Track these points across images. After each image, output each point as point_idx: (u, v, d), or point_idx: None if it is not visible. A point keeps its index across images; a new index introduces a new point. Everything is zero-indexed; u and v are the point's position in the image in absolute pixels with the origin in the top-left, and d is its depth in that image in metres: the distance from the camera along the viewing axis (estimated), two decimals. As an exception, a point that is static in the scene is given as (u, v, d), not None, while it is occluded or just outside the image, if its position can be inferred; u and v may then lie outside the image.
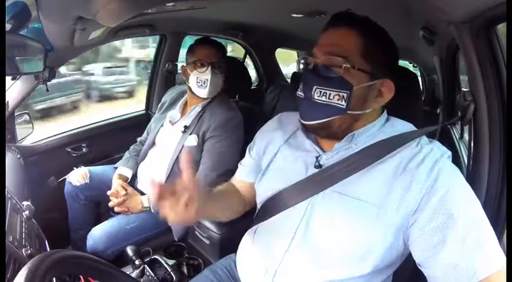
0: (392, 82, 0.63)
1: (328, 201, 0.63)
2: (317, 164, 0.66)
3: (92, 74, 5.96)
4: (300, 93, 0.65)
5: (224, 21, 1.73)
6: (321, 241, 0.62)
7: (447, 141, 0.62)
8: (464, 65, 0.80)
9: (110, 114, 1.87)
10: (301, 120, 0.66)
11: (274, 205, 0.68)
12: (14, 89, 1.24)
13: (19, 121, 1.40)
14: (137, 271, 0.84)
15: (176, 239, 1.25)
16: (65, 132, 1.59)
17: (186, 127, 1.23)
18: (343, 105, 0.60)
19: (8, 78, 1.19)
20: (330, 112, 0.61)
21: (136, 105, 3.63)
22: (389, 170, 0.60)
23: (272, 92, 1.76)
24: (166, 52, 1.79)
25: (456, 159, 0.60)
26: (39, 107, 4.66)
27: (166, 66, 1.79)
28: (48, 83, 1.24)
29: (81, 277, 0.66)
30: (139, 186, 1.31)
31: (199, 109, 1.25)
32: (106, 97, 5.96)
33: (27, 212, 0.85)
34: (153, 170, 1.29)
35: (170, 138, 1.26)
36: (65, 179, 1.35)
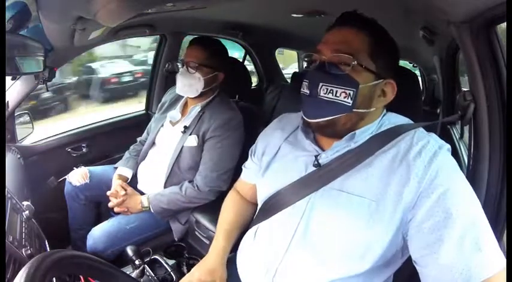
0: (395, 82, 0.64)
1: (327, 198, 0.63)
2: (316, 163, 0.66)
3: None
4: (304, 90, 0.65)
5: (224, 21, 1.73)
6: (321, 239, 0.62)
7: (447, 141, 0.62)
8: (464, 65, 0.80)
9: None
10: (306, 118, 0.65)
11: (274, 204, 0.69)
12: (14, 89, 1.24)
13: (19, 121, 1.40)
14: (137, 271, 0.84)
15: (176, 239, 1.25)
16: (65, 132, 1.59)
17: (185, 127, 1.23)
18: (349, 103, 0.60)
19: (8, 78, 1.19)
20: (335, 110, 0.61)
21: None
22: (386, 163, 0.60)
23: (272, 92, 1.76)
24: (166, 52, 1.79)
25: (456, 159, 0.60)
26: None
27: (166, 66, 1.79)
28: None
29: (81, 277, 0.66)
30: (139, 186, 1.31)
31: (199, 109, 1.25)
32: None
33: (27, 212, 0.84)
34: (153, 170, 1.29)
35: (170, 138, 1.26)
36: (65, 179, 1.35)
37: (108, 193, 1.23)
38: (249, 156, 0.86)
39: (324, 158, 0.66)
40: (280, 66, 2.57)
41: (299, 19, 1.36)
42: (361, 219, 0.58)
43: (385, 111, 0.68)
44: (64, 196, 1.33)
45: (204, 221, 1.17)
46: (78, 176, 1.31)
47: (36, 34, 0.93)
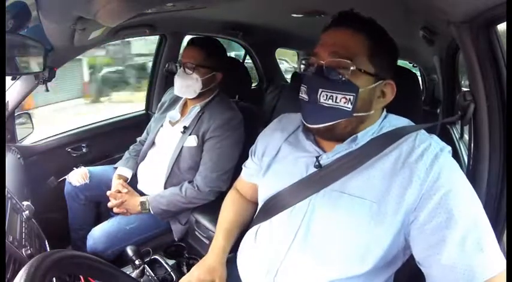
0: (394, 83, 0.63)
1: (328, 200, 0.63)
2: (317, 164, 0.65)
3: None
4: (303, 96, 0.64)
5: (224, 21, 1.73)
6: (322, 240, 0.62)
7: (447, 141, 0.62)
8: (464, 65, 0.80)
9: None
10: (306, 123, 0.65)
11: (274, 205, 0.69)
12: (14, 89, 1.24)
13: (19, 121, 1.40)
14: (137, 271, 0.84)
15: (176, 239, 1.25)
16: (65, 132, 1.59)
17: (185, 128, 1.23)
18: (349, 108, 0.59)
19: (8, 78, 1.19)
20: (335, 115, 0.60)
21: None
22: (388, 165, 0.59)
23: (272, 92, 1.76)
24: (166, 52, 1.79)
25: (456, 160, 0.60)
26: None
27: (166, 66, 1.79)
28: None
29: (81, 277, 0.66)
30: (139, 186, 1.31)
31: (199, 109, 1.25)
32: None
33: (27, 212, 0.84)
34: (152, 170, 1.29)
35: (170, 138, 1.26)
36: (65, 179, 1.35)
37: (107, 193, 1.23)
38: (249, 156, 0.86)
39: (325, 159, 0.66)
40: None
41: (299, 19, 1.36)
42: (362, 221, 0.58)
43: (385, 112, 0.67)
44: (64, 196, 1.33)
45: (204, 221, 1.17)
46: (78, 176, 1.31)
47: (36, 34, 0.93)
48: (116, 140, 1.71)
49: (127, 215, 1.22)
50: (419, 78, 2.73)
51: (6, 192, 0.82)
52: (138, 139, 1.47)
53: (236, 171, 1.16)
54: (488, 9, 0.61)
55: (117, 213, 1.23)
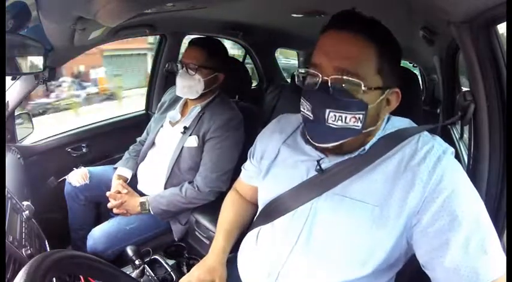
0: (399, 89, 0.61)
1: (330, 204, 0.62)
2: (318, 168, 0.64)
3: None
4: (307, 113, 0.59)
5: (224, 21, 1.73)
6: (324, 244, 0.62)
7: (447, 141, 0.62)
8: (464, 65, 0.80)
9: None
10: (312, 141, 0.62)
11: (276, 208, 0.68)
12: (14, 89, 1.24)
13: (19, 121, 1.40)
14: (137, 271, 0.84)
15: (176, 239, 1.25)
16: (65, 132, 1.59)
17: (185, 128, 1.23)
18: (358, 127, 0.57)
19: (8, 78, 1.19)
20: (344, 134, 0.58)
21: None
22: (391, 169, 0.59)
23: (272, 92, 1.76)
24: (166, 52, 1.79)
25: (456, 159, 0.60)
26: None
27: (166, 66, 1.78)
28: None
29: (81, 277, 0.66)
30: (139, 186, 1.31)
31: (199, 109, 1.25)
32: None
33: (27, 212, 0.84)
34: (153, 170, 1.29)
35: (170, 139, 1.26)
36: (65, 179, 1.35)
37: (107, 194, 1.23)
38: (248, 158, 0.85)
39: (327, 163, 0.64)
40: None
41: (299, 19, 1.36)
42: (364, 225, 0.58)
43: (388, 114, 0.66)
44: (64, 196, 1.33)
45: (204, 221, 1.17)
46: (78, 177, 1.31)
47: (36, 34, 0.93)
48: (116, 140, 1.70)
49: (127, 216, 1.22)
50: (419, 78, 2.73)
51: (6, 192, 0.82)
52: (138, 139, 1.47)
53: (236, 172, 1.15)
54: (488, 9, 0.60)
55: (117, 214, 1.23)
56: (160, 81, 1.84)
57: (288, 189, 0.66)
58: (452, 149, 0.59)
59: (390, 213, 0.57)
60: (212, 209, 1.11)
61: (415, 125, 0.65)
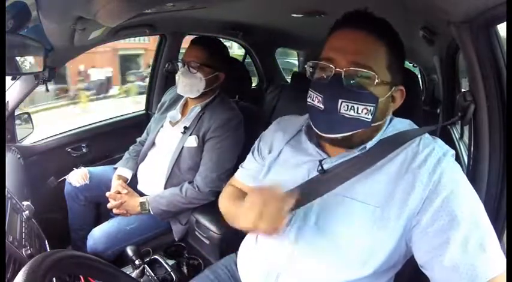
0: (404, 87, 0.63)
1: (331, 204, 0.62)
2: (320, 168, 0.64)
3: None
4: (317, 104, 0.60)
5: (224, 21, 1.73)
6: (324, 244, 0.62)
7: (447, 141, 0.62)
8: (464, 65, 0.80)
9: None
10: (319, 133, 0.62)
11: None
12: (14, 89, 1.24)
13: (19, 121, 1.40)
14: (137, 271, 0.84)
15: (176, 239, 1.25)
16: (65, 132, 1.59)
17: (185, 128, 1.23)
18: (368, 119, 0.58)
19: (8, 78, 1.19)
20: (354, 126, 0.58)
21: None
22: (392, 170, 0.59)
23: (272, 92, 1.76)
24: (166, 52, 1.79)
25: (456, 159, 0.60)
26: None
27: (166, 66, 1.79)
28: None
29: (81, 277, 0.66)
30: (139, 187, 1.31)
31: (199, 109, 1.25)
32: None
33: (27, 212, 0.84)
34: (153, 170, 1.29)
35: (170, 139, 1.26)
36: (65, 179, 1.35)
37: (107, 194, 1.23)
38: (251, 155, 0.83)
39: (329, 164, 0.65)
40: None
41: (299, 19, 1.36)
42: (365, 226, 0.58)
43: (390, 115, 0.67)
44: (64, 196, 1.33)
45: (204, 221, 1.17)
46: (78, 177, 1.31)
47: (36, 34, 0.93)
48: (116, 140, 1.70)
49: (127, 216, 1.22)
50: (419, 78, 2.73)
51: (6, 192, 0.82)
52: (138, 139, 1.46)
53: (236, 171, 1.16)
54: (488, 9, 0.61)
55: (117, 214, 1.23)
56: (160, 81, 1.84)
57: (289, 190, 0.66)
58: (452, 151, 0.59)
59: (391, 215, 0.57)
60: (212, 209, 1.11)
61: (415, 126, 0.65)
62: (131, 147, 1.44)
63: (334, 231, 0.61)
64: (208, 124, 1.20)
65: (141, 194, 1.26)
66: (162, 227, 1.25)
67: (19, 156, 1.26)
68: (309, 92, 0.62)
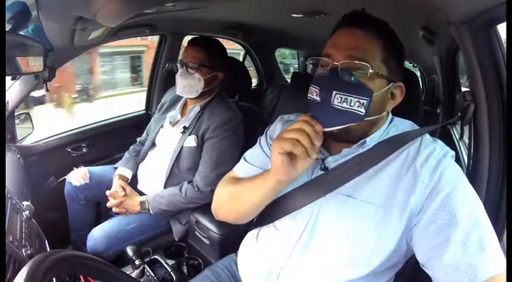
0: (403, 84, 0.63)
1: (333, 204, 0.62)
2: (323, 166, 0.65)
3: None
4: (314, 97, 0.61)
5: (224, 21, 1.73)
6: (326, 244, 0.62)
7: (447, 141, 0.62)
8: (464, 65, 0.80)
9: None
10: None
11: (279, 208, 0.67)
12: (14, 89, 1.24)
13: (19, 121, 1.40)
14: (137, 271, 0.84)
15: (176, 239, 1.25)
16: (65, 132, 1.59)
17: (185, 128, 1.23)
18: (362, 112, 0.57)
19: (8, 78, 1.19)
20: (347, 119, 0.58)
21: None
22: (394, 171, 0.59)
23: (272, 92, 1.76)
24: (166, 52, 1.79)
25: (456, 159, 0.60)
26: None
27: (166, 66, 1.79)
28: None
29: (81, 277, 0.66)
30: (139, 186, 1.31)
31: (198, 109, 1.25)
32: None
33: (27, 212, 0.84)
34: (152, 170, 1.29)
35: (170, 139, 1.26)
36: (65, 179, 1.35)
37: (107, 193, 1.23)
38: (258, 147, 0.78)
39: (331, 162, 0.65)
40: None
41: (299, 19, 1.36)
42: (368, 226, 0.58)
43: (391, 116, 0.67)
44: (64, 196, 1.33)
45: (204, 221, 1.17)
46: (78, 176, 1.31)
47: (36, 34, 0.93)
48: (116, 140, 1.70)
49: (126, 215, 1.22)
50: (419, 78, 2.73)
51: (6, 192, 0.82)
52: (138, 139, 1.47)
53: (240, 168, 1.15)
54: (488, 9, 0.61)
55: (117, 214, 1.23)
56: (160, 82, 1.84)
57: (292, 189, 0.66)
58: (453, 153, 0.60)
59: (393, 215, 0.57)
60: (212, 209, 1.11)
61: (417, 127, 0.65)
62: (131, 147, 1.44)
63: (336, 230, 0.61)
64: (208, 124, 1.20)
65: (141, 194, 1.26)
66: (162, 227, 1.25)
67: (19, 156, 1.26)
68: (310, 87, 0.63)
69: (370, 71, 0.57)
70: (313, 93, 0.62)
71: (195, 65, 1.19)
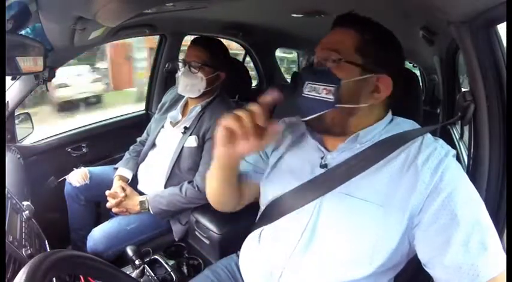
0: (392, 79, 0.62)
1: (334, 202, 0.62)
2: (322, 163, 0.65)
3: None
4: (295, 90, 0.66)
5: (224, 21, 1.73)
6: (327, 243, 0.62)
7: (447, 141, 0.62)
8: (464, 65, 0.80)
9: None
10: (299, 117, 0.67)
11: (279, 207, 0.68)
12: (14, 89, 1.24)
13: (19, 121, 1.40)
14: (137, 271, 0.84)
15: (176, 239, 1.25)
16: (65, 132, 1.59)
17: (186, 128, 1.23)
18: (331, 99, 0.60)
19: (8, 78, 1.19)
20: (318, 107, 0.61)
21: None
22: (394, 169, 0.59)
23: (272, 92, 1.75)
24: (166, 52, 1.79)
25: (456, 160, 0.60)
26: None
27: (166, 66, 1.79)
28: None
29: (81, 277, 0.66)
30: (139, 187, 1.31)
31: (199, 109, 1.25)
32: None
33: (27, 212, 0.84)
34: (153, 171, 1.29)
35: (171, 139, 1.26)
36: (65, 179, 1.35)
37: (106, 193, 1.23)
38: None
39: (330, 159, 0.65)
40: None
41: (299, 19, 1.36)
42: (369, 225, 0.58)
43: (391, 115, 0.67)
44: (64, 196, 1.33)
45: (204, 221, 1.17)
46: (78, 177, 1.31)
47: (36, 34, 0.93)
48: (116, 140, 1.70)
49: (126, 215, 1.22)
50: (419, 78, 2.73)
51: (6, 192, 0.82)
52: (138, 139, 1.47)
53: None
54: (488, 9, 0.61)
55: (117, 214, 1.23)
56: (160, 82, 1.84)
57: (293, 188, 0.66)
58: (454, 152, 0.60)
59: (393, 214, 0.57)
60: (212, 209, 1.11)
61: (418, 126, 0.65)
62: (131, 147, 1.44)
63: (337, 229, 0.61)
64: (208, 124, 1.20)
65: (141, 194, 1.26)
66: (162, 227, 1.25)
67: (19, 156, 1.26)
68: None
69: (333, 57, 0.60)
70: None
71: (198, 64, 1.19)
